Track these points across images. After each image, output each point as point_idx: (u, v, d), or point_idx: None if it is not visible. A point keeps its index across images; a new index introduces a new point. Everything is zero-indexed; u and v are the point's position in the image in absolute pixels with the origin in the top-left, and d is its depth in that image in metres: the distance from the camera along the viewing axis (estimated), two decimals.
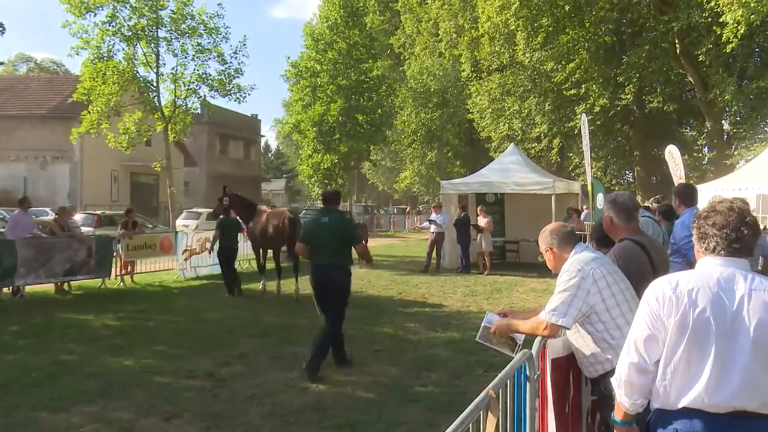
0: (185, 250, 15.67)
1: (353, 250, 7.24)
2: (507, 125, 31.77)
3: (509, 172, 17.84)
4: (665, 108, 27.35)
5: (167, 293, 13.42)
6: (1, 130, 34.73)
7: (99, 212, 24.25)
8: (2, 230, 14.80)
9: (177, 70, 25.16)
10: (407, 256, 22.63)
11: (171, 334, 9.01)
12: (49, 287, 13.06)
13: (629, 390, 2.56)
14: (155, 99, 25.02)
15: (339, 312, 7.11)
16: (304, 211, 39.62)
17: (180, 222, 26.80)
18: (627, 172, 33.20)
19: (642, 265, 3.73)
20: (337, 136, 32.09)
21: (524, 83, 30.59)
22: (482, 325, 3.95)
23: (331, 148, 32.23)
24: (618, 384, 2.60)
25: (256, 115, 60.23)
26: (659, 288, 2.51)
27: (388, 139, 36.93)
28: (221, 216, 13.37)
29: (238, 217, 13.60)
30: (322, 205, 7.58)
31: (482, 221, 16.67)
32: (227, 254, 13.06)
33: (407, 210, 48.06)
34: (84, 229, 19.88)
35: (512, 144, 21.02)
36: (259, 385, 6.52)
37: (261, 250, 13.85)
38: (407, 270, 17.61)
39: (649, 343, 2.49)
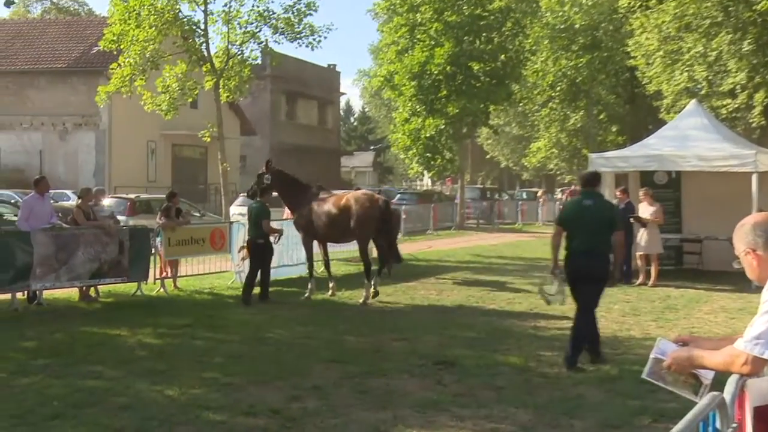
0: (242, 247, 16.10)
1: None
2: (686, 74, 30.68)
3: (689, 141, 17.31)
4: None
5: (219, 303, 13.94)
6: (11, 90, 37.08)
7: (132, 196, 25.28)
8: (14, 219, 15.79)
9: (231, 6, 25.85)
10: (541, 258, 22.27)
11: (225, 357, 9.36)
12: (72, 292, 13.86)
13: None
14: (203, 46, 25.83)
15: (593, 301, 9.00)
16: (398, 195, 39.98)
17: (235, 209, 27.56)
18: None
19: None
20: (445, 92, 32.04)
21: (711, 13, 29.38)
22: (651, 356, 3.86)
23: (435, 110, 32.24)
24: None
25: (335, 65, 61.17)
26: None
27: (515, 96, 36.54)
28: (254, 198, 14.38)
29: (264, 202, 14.35)
30: (581, 187, 9.54)
31: (647, 210, 16.28)
32: (253, 250, 13.83)
33: (541, 194, 47.39)
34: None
35: (693, 101, 20.29)
36: (339, 427, 6.66)
37: (322, 246, 14.73)
38: (542, 278, 17.40)
39: None
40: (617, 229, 9.06)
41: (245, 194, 17.83)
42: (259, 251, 13.75)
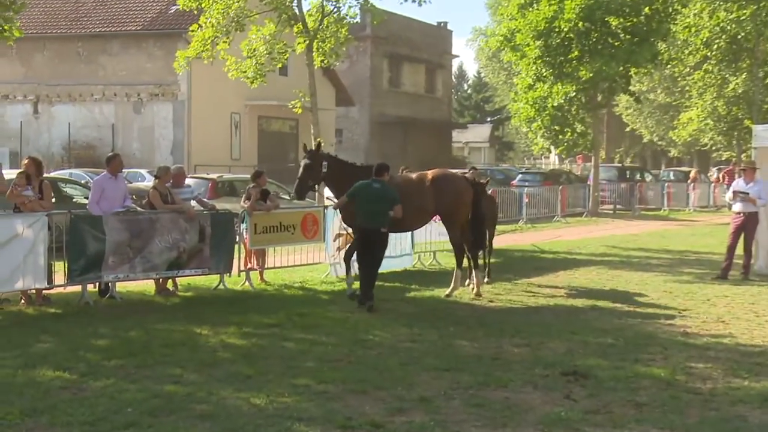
0: (338, 235, 16.27)
1: None
2: None
3: None
4: None
5: (312, 299, 14.14)
6: (82, 56, 38.44)
7: (214, 176, 25.78)
8: (85, 201, 16.37)
9: None
10: (691, 251, 21.86)
11: (318, 361, 9.48)
12: (147, 285, 14.30)
13: None
14: (294, 3, 26.10)
15: None
16: (519, 176, 39.64)
17: (330, 191, 27.89)
18: None
19: None
20: (576, 53, 31.59)
21: None
22: None
23: (565, 74, 31.83)
24: None
25: (446, 23, 60.94)
26: None
27: (662, 57, 35.68)
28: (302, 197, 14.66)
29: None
30: None
31: None
32: (367, 241, 13.09)
33: (693, 175, 46.22)
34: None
35: None
36: None
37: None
38: (692, 274, 17.18)
39: None
40: None
41: None
42: (374, 241, 13.01)
